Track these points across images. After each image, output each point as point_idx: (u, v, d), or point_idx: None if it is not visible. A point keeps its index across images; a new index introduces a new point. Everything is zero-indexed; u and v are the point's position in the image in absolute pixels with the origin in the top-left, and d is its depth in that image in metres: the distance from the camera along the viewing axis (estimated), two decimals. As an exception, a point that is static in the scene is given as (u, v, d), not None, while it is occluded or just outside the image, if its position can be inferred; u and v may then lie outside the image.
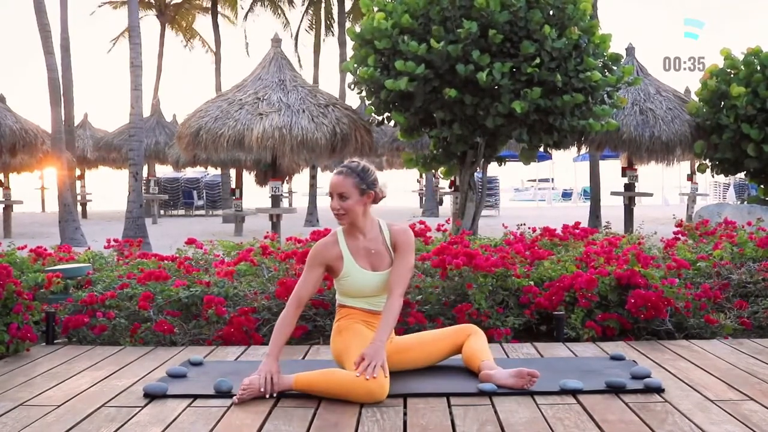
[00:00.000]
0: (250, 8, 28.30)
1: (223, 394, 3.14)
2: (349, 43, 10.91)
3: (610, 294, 4.52)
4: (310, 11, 27.57)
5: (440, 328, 4.34)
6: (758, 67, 12.49)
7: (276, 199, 12.63)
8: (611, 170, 21.38)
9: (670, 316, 4.42)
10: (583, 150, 14.17)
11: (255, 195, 21.78)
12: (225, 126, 11.39)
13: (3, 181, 18.61)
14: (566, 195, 47.07)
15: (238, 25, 29.54)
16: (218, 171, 25.47)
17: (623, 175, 14.53)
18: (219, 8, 28.58)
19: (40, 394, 3.27)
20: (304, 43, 27.70)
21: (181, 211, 29.97)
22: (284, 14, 28.14)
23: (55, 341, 4.43)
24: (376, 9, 10.15)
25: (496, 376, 3.20)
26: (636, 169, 14.44)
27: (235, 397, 3.07)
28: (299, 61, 27.90)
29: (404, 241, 3.39)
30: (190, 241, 6.48)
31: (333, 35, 26.91)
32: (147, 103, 22.42)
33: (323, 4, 26.45)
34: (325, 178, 29.37)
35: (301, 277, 3.42)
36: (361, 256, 3.38)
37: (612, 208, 18.22)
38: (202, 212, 29.95)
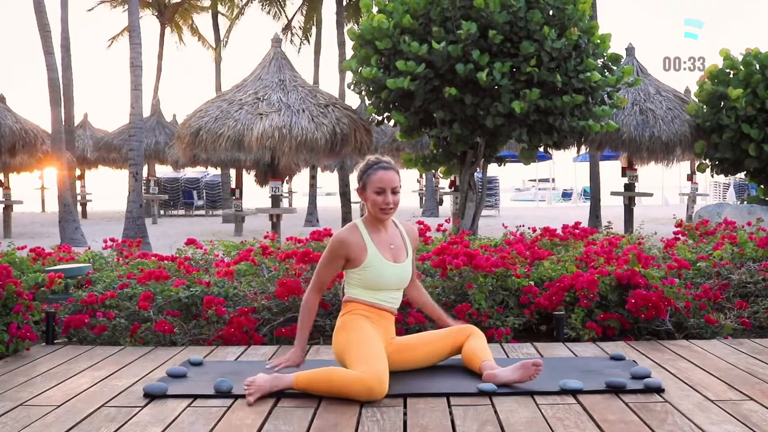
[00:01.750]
0: (246, 4, 28.24)
1: (223, 394, 3.14)
2: (349, 43, 10.90)
3: (610, 294, 4.52)
4: (303, 10, 27.50)
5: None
6: (757, 68, 12.49)
7: (276, 199, 12.63)
8: (611, 170, 21.41)
9: (670, 316, 4.42)
10: (583, 150, 14.18)
11: (255, 195, 21.81)
12: (225, 126, 11.40)
13: (3, 181, 18.62)
14: (566, 195, 47.13)
15: (236, 23, 29.41)
16: (218, 171, 25.48)
17: (623, 175, 14.53)
18: (219, 7, 28.54)
19: (40, 394, 3.27)
20: (294, 43, 27.32)
21: (181, 211, 29.99)
22: (284, 13, 28.11)
23: (55, 341, 4.43)
24: (375, 9, 10.16)
25: (500, 375, 3.20)
26: (636, 169, 14.45)
27: (249, 398, 3.06)
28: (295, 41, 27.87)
29: (416, 239, 3.69)
30: (190, 241, 6.49)
31: (309, 43, 27.01)
32: (147, 103, 22.44)
33: (321, 4, 26.39)
34: (325, 178, 29.45)
35: (322, 267, 3.45)
36: (383, 249, 3.46)
37: (612, 208, 18.23)
38: (202, 212, 29.96)
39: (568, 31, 9.54)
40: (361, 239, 3.42)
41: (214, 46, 28.62)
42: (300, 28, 27.66)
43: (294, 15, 27.86)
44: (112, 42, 31.26)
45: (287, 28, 27.54)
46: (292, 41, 27.72)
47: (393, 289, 3.48)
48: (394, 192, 3.44)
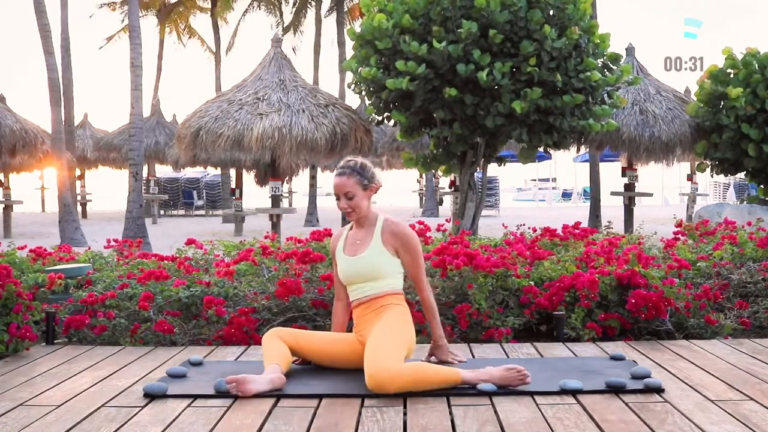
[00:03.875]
0: (248, 8, 28.28)
1: (223, 394, 3.14)
2: (348, 43, 10.90)
3: (610, 294, 4.52)
4: (304, 11, 27.52)
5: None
6: (757, 68, 12.49)
7: (276, 199, 12.63)
8: (611, 170, 21.41)
9: (670, 316, 4.42)
10: (583, 150, 14.16)
11: (255, 195, 21.79)
12: (225, 126, 11.39)
13: (3, 181, 18.61)
14: (566, 195, 47.11)
15: (233, 23, 29.53)
16: (218, 171, 25.46)
17: (623, 175, 14.53)
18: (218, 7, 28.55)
19: (40, 394, 3.27)
20: (293, 46, 27.37)
21: (181, 211, 29.96)
22: (280, 12, 28.12)
23: (55, 341, 4.43)
24: (375, 9, 10.16)
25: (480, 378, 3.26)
26: (636, 169, 14.44)
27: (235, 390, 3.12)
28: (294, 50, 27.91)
29: (402, 241, 3.54)
30: (190, 241, 6.49)
31: (301, 33, 27.08)
32: (147, 103, 22.43)
33: (321, 3, 26.39)
34: (326, 178, 29.44)
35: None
36: (350, 245, 3.61)
37: (612, 208, 18.22)
38: (202, 212, 29.94)
39: (569, 31, 9.54)
40: (339, 237, 3.70)
41: (213, 46, 28.63)
42: (296, 28, 27.68)
43: (292, 19, 27.85)
44: (107, 41, 31.17)
45: (287, 30, 27.55)
46: (294, 50, 27.82)
47: (359, 282, 3.54)
48: (348, 197, 3.50)
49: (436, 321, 3.57)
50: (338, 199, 3.53)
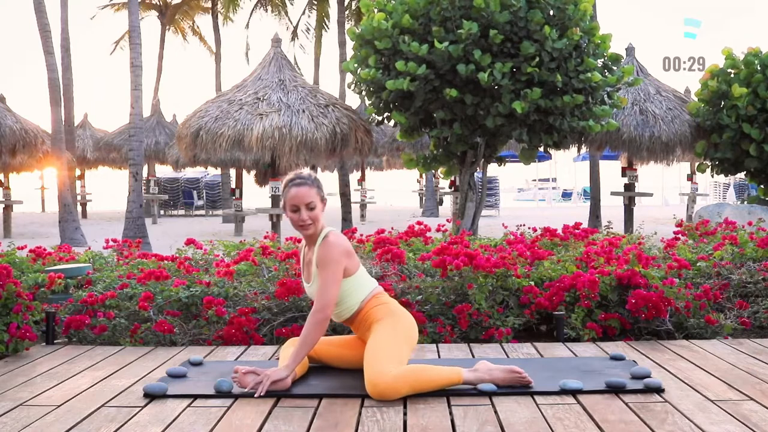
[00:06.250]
0: (254, 9, 28.28)
1: (223, 394, 3.15)
2: (349, 43, 10.92)
3: (610, 294, 4.52)
4: (308, 12, 27.52)
5: (440, 328, 4.35)
6: (758, 67, 12.49)
7: (276, 199, 12.63)
8: (611, 170, 21.37)
9: (670, 316, 4.42)
10: (583, 150, 14.18)
11: (255, 195, 21.78)
12: (225, 126, 11.40)
13: (3, 181, 18.61)
14: (566, 195, 47.12)
15: (236, 24, 29.51)
16: (218, 171, 25.46)
17: (623, 175, 14.54)
18: (219, 7, 28.55)
19: (40, 394, 3.27)
20: (301, 45, 27.40)
21: (181, 211, 29.97)
22: (287, 15, 28.13)
23: (55, 341, 4.43)
24: (376, 9, 10.16)
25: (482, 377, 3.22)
26: (636, 169, 14.45)
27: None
28: (296, 61, 27.88)
29: (320, 257, 3.31)
30: (190, 241, 6.49)
31: (325, 32, 27.02)
32: (147, 103, 22.44)
33: (325, 4, 26.37)
34: (325, 178, 29.43)
35: None
36: (305, 266, 3.49)
37: (612, 208, 18.23)
38: (202, 212, 29.94)
39: (570, 31, 9.55)
40: (300, 258, 3.58)
41: (214, 47, 28.63)
42: (306, 30, 27.68)
43: (298, 21, 27.85)
44: (116, 46, 31.18)
45: (294, 34, 27.55)
46: (302, 46, 27.75)
47: None
48: (310, 207, 3.33)
49: (295, 350, 3.24)
50: (296, 211, 3.31)
